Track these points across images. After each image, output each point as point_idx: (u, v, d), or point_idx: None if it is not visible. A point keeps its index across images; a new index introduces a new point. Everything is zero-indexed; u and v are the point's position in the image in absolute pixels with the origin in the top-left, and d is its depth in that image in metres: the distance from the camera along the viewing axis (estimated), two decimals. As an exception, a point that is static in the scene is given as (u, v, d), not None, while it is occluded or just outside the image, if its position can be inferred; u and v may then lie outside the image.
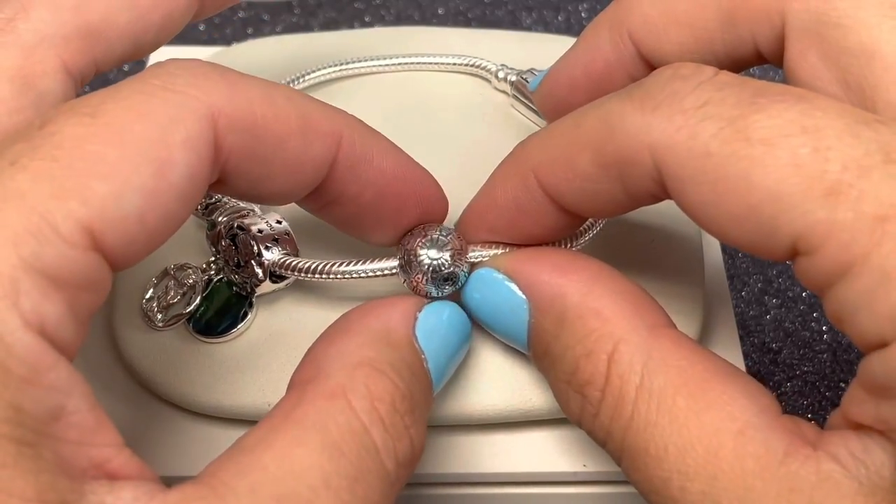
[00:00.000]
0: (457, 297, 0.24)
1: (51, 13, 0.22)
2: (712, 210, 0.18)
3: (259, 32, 0.47)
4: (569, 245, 0.24)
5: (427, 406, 0.21)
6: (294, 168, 0.21)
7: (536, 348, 0.22)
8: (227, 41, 0.41)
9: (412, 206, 0.23)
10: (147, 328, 0.26)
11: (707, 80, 0.19)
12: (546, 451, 0.25)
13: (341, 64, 0.32)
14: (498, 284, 0.23)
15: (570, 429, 0.25)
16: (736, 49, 0.23)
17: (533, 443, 0.25)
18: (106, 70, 0.23)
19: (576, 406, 0.21)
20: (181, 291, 0.26)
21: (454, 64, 0.33)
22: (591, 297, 0.21)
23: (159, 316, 0.26)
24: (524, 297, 0.22)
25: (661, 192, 0.20)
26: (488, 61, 0.32)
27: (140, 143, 0.17)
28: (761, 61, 0.23)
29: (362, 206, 0.23)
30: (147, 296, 0.26)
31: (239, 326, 0.25)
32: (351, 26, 0.48)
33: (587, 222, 0.25)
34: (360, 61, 0.32)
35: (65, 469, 0.16)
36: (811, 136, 0.17)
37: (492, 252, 0.23)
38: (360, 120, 0.22)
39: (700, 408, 0.19)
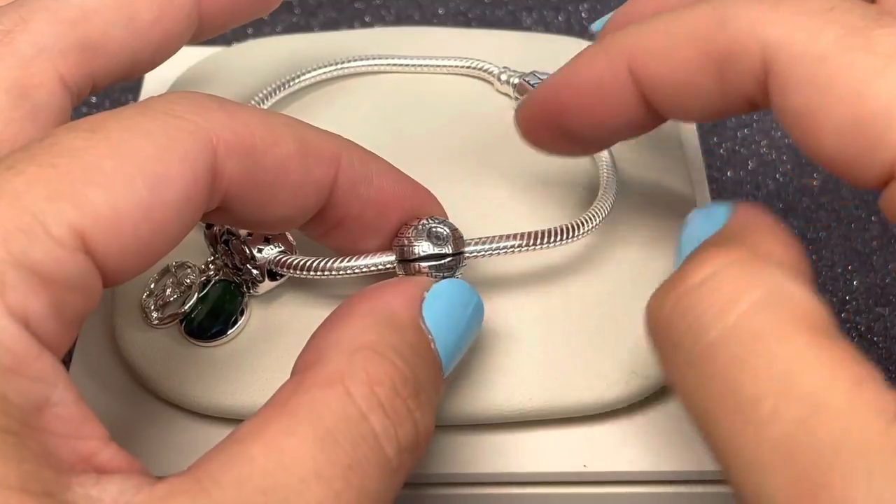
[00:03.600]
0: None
1: (49, 26, 0.22)
2: (813, 118, 0.18)
3: (259, 32, 0.47)
4: (572, 236, 0.24)
5: (436, 389, 0.20)
6: (296, 192, 0.21)
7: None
8: (227, 41, 0.40)
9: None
10: (146, 326, 0.26)
11: None
12: (546, 451, 0.25)
13: (341, 63, 0.32)
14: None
15: (570, 429, 0.25)
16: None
17: (533, 443, 0.25)
18: (103, 86, 0.23)
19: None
20: (179, 290, 0.26)
21: (456, 66, 0.32)
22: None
23: (155, 314, 0.26)
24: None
25: (759, 95, 0.19)
26: (490, 64, 0.32)
27: (137, 158, 0.18)
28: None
29: (365, 226, 0.23)
30: (146, 292, 0.26)
31: (229, 332, 0.25)
32: (351, 26, 0.48)
33: (586, 215, 0.24)
34: (360, 61, 0.32)
35: (50, 461, 0.15)
36: None
37: (493, 245, 0.23)
38: (355, 143, 0.23)
39: (821, 347, 0.16)
